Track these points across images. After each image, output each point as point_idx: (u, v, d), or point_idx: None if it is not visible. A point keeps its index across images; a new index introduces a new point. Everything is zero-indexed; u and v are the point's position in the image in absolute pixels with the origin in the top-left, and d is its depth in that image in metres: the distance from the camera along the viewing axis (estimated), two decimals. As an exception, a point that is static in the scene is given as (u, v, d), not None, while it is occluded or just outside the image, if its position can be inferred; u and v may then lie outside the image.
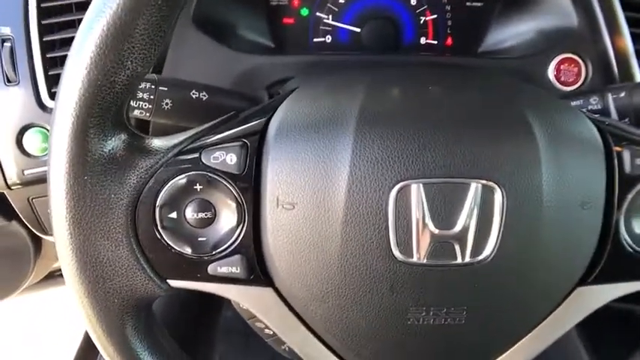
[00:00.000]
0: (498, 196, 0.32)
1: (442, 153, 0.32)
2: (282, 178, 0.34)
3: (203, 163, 0.34)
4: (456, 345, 0.37)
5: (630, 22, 0.57)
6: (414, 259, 0.33)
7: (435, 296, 0.34)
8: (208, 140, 0.35)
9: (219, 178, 0.34)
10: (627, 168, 0.35)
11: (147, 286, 0.35)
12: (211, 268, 0.35)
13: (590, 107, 0.47)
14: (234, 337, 0.77)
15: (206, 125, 0.36)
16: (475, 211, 0.32)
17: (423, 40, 0.66)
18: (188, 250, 0.35)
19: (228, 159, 0.34)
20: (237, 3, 0.61)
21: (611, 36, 0.57)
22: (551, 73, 0.58)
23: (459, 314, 0.34)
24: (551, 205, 0.33)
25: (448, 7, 0.65)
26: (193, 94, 0.45)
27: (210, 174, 0.34)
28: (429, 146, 0.33)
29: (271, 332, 0.46)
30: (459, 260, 0.33)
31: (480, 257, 0.33)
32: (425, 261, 0.33)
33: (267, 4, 0.63)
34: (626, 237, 0.36)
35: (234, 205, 0.34)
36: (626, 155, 0.35)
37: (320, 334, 0.37)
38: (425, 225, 0.32)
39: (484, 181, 0.32)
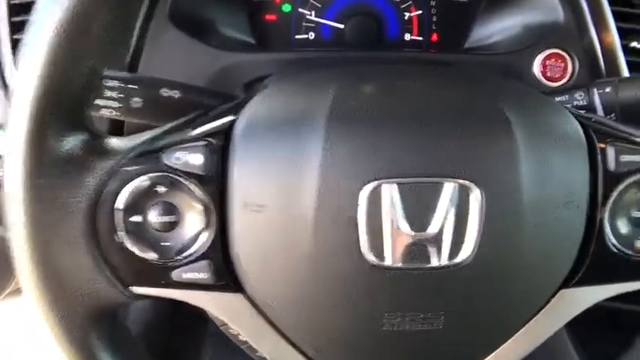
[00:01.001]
0: (476, 196, 0.31)
1: (416, 151, 0.31)
2: (249, 180, 0.32)
3: (165, 163, 0.33)
4: (435, 351, 0.35)
5: (617, 17, 0.56)
6: (388, 262, 0.31)
7: (411, 301, 0.33)
8: (171, 140, 0.33)
9: (182, 180, 0.33)
10: (611, 165, 0.34)
11: (110, 294, 0.33)
12: (177, 274, 0.33)
13: (575, 103, 0.46)
14: (223, 339, 0.76)
15: (171, 124, 0.35)
16: (452, 212, 0.31)
17: (407, 37, 0.65)
18: (152, 256, 0.33)
19: (192, 159, 0.33)
20: None
21: (598, 31, 0.56)
22: (537, 68, 0.57)
23: (437, 319, 0.33)
24: (532, 204, 0.32)
25: (433, 3, 0.64)
26: (164, 92, 0.43)
27: (173, 175, 0.33)
28: (403, 144, 0.31)
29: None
30: (436, 263, 0.32)
31: (458, 260, 0.32)
32: (399, 265, 0.31)
33: (248, 0, 0.62)
34: (611, 237, 0.34)
35: (199, 207, 0.33)
36: (611, 152, 0.34)
37: (294, 341, 0.36)
38: (399, 227, 0.31)
39: (461, 181, 0.31)
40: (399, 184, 0.31)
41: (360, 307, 0.33)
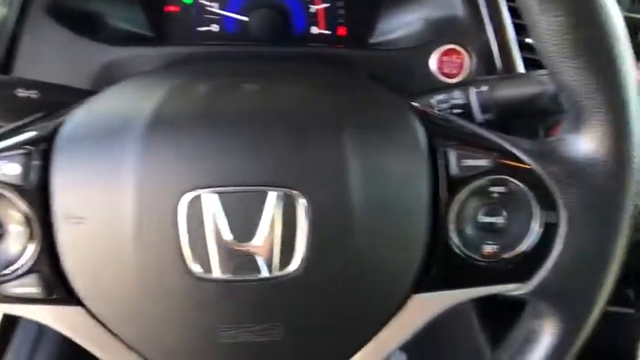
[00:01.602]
0: (302, 205, 0.30)
1: (239, 158, 0.30)
2: (68, 190, 0.31)
3: None
4: None
5: (513, 13, 0.56)
6: (216, 275, 0.30)
7: (244, 313, 0.32)
8: None
9: (1, 191, 0.31)
10: (454, 169, 0.33)
11: None
12: (6, 289, 0.32)
13: (454, 101, 0.45)
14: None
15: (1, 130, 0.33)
16: (278, 222, 0.30)
17: (315, 30, 0.63)
18: None
19: (8, 169, 0.31)
20: None
21: (495, 27, 0.56)
22: (434, 64, 0.56)
23: (274, 331, 0.32)
24: (365, 212, 0.31)
25: None
26: (20, 92, 0.41)
27: None
28: (225, 151, 0.30)
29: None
30: (265, 274, 0.31)
31: (288, 270, 0.31)
32: (227, 276, 0.30)
33: None
34: (457, 242, 0.34)
35: (22, 219, 0.31)
36: (453, 156, 0.33)
37: (141, 352, 0.34)
38: (223, 238, 0.30)
39: (285, 189, 0.30)
40: (219, 193, 0.29)
41: (192, 319, 0.32)
